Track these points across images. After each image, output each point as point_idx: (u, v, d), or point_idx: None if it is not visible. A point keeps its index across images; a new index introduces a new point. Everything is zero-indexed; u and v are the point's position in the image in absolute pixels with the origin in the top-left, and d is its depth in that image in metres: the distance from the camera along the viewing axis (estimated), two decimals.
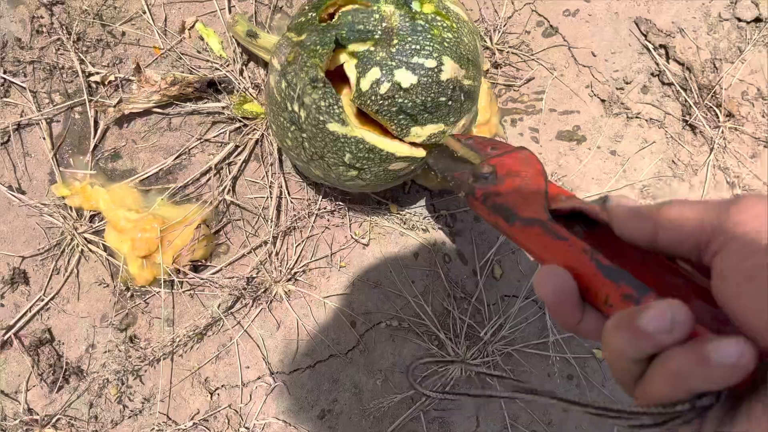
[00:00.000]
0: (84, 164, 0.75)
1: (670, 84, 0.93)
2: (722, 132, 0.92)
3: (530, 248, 0.43)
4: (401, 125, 0.58)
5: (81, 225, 0.74)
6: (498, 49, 0.87)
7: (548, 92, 0.89)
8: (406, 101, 0.57)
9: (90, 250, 0.74)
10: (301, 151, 0.62)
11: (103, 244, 0.75)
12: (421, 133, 0.60)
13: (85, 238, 0.74)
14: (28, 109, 0.75)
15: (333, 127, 0.57)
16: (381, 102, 0.57)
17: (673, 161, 0.91)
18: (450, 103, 0.60)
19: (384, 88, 0.56)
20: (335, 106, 0.56)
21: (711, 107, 0.92)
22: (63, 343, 0.75)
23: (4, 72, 0.75)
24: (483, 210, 0.50)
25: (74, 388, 0.74)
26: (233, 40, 0.79)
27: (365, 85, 0.56)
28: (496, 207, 0.48)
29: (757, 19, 0.95)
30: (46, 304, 0.74)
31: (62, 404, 0.74)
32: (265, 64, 0.79)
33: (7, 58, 0.75)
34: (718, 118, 0.92)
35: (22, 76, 0.75)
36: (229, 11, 0.80)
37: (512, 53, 0.88)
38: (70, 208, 0.74)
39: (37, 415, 0.72)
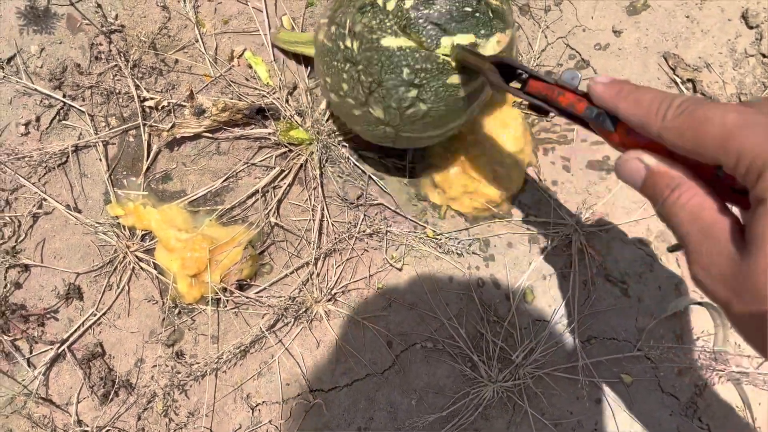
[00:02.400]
0: (137, 185, 0.80)
1: None
2: None
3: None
4: (431, 36, 0.62)
5: (133, 244, 0.78)
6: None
7: None
8: (431, 11, 0.60)
9: (141, 268, 0.78)
10: (358, 89, 0.65)
11: (153, 263, 0.79)
12: (452, 43, 0.63)
13: (137, 257, 0.78)
14: (86, 131, 0.79)
15: (387, 41, 0.61)
16: (408, 16, 0.60)
17: None
18: (477, 14, 0.63)
19: (408, 2, 0.60)
20: (386, 20, 0.60)
21: None
22: (113, 357, 0.79)
23: (64, 96, 0.79)
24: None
25: (123, 401, 0.78)
26: (281, 68, 0.84)
27: (391, 4, 0.60)
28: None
29: None
30: (98, 319, 0.79)
31: (111, 416, 0.78)
32: (307, 64, 0.84)
33: (67, 83, 0.80)
34: None
35: (80, 100, 0.80)
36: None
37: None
38: (124, 227, 0.78)
39: (87, 426, 0.76)
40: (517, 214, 0.92)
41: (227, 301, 0.80)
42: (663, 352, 0.91)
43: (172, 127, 0.80)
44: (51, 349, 0.78)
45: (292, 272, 0.83)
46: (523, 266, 0.90)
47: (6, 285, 0.78)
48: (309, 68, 0.87)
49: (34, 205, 0.80)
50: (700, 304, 0.92)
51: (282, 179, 0.84)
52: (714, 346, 0.92)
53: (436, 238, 0.87)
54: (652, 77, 0.97)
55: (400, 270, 0.87)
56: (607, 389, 0.89)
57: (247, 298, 0.80)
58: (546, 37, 0.95)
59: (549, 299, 0.90)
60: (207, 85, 0.85)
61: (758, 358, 0.90)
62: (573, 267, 0.90)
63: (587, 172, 0.94)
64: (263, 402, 0.82)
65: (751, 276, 0.31)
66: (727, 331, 0.92)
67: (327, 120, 0.86)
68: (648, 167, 0.37)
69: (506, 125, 0.90)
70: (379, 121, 0.67)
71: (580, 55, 0.96)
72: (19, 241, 0.79)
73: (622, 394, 0.90)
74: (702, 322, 0.93)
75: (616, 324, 0.92)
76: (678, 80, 0.97)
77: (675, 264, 0.94)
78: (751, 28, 1.00)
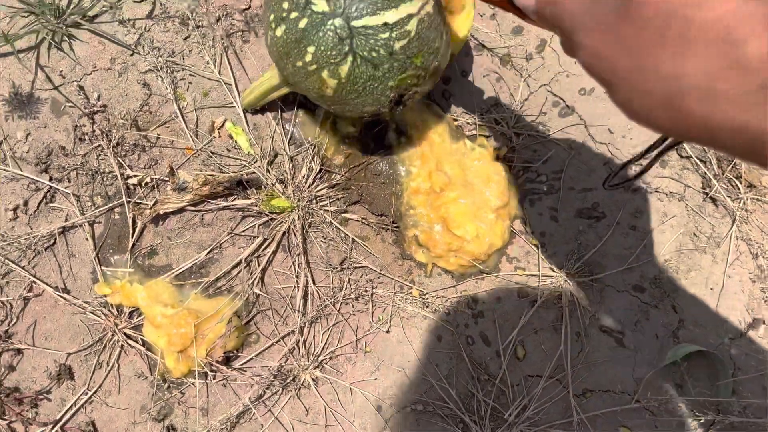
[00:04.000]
0: (123, 262, 0.82)
1: (688, 157, 0.94)
2: (744, 203, 0.93)
3: None
4: None
5: (121, 321, 0.80)
6: (515, 133, 0.91)
7: (566, 171, 0.92)
8: None
9: (129, 345, 0.80)
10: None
11: (141, 339, 0.80)
12: None
13: (125, 334, 0.80)
14: (72, 212, 0.82)
15: None
16: None
17: (694, 234, 0.93)
18: None
19: None
20: None
21: (731, 178, 0.94)
22: None
23: (51, 179, 0.82)
24: None
25: None
26: (262, 136, 0.85)
27: None
28: None
29: None
30: (90, 397, 0.81)
31: None
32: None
33: (53, 166, 0.82)
34: (739, 189, 0.93)
35: (66, 181, 0.82)
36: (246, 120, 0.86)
37: (529, 135, 0.91)
38: (111, 305, 0.80)
39: None
40: (505, 268, 0.91)
41: (215, 373, 0.81)
42: (662, 403, 0.90)
43: (154, 204, 0.82)
44: (46, 429, 0.79)
45: (278, 341, 0.84)
46: (513, 321, 0.90)
47: (0, 369, 0.80)
48: (289, 136, 0.88)
49: (25, 288, 0.82)
50: (701, 351, 0.90)
51: (265, 248, 0.85)
52: (718, 397, 0.90)
53: (423, 298, 0.87)
54: None
55: (387, 332, 0.87)
56: None
57: (233, 370, 0.81)
58: (528, 85, 0.95)
59: (541, 354, 0.89)
60: (189, 158, 0.86)
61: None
62: (564, 319, 0.89)
63: (576, 220, 0.93)
64: None
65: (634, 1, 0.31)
66: (730, 380, 0.90)
67: (309, 186, 0.86)
68: None
69: (489, 180, 0.90)
70: (324, 15, 0.65)
71: (564, 101, 0.95)
72: (11, 324, 0.82)
73: None
74: (704, 370, 0.91)
75: (612, 375, 0.90)
76: None
77: (672, 311, 0.92)
78: None
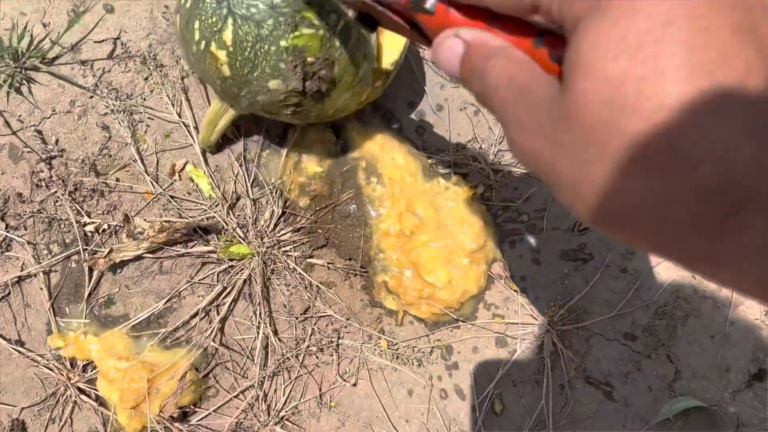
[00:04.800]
0: (79, 312, 0.80)
1: None
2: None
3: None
4: None
5: (74, 375, 0.78)
6: (494, 170, 0.85)
7: (550, 209, 0.86)
8: None
9: (83, 400, 0.77)
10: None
11: (95, 393, 0.78)
12: None
13: (78, 388, 0.78)
14: (28, 261, 0.80)
15: None
16: None
17: (693, 276, 0.86)
18: None
19: None
20: None
21: None
22: None
23: (7, 227, 0.80)
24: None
25: None
26: (224, 179, 0.82)
27: None
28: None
29: None
30: None
31: None
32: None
33: (9, 213, 0.80)
34: None
35: (22, 229, 0.80)
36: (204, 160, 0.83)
37: (509, 171, 0.85)
38: (65, 358, 0.78)
39: None
40: (482, 315, 0.86)
41: (170, 430, 0.77)
42: None
43: (109, 252, 0.79)
44: None
45: (237, 395, 0.81)
46: (490, 373, 0.84)
47: None
48: (252, 177, 0.84)
49: None
50: (700, 406, 0.83)
51: (225, 296, 0.81)
52: None
53: (393, 348, 0.82)
54: None
55: (354, 385, 0.83)
56: None
57: (188, 425, 0.78)
58: None
59: (521, 408, 0.83)
60: (149, 203, 0.84)
61: None
62: (546, 371, 0.83)
63: (561, 263, 0.87)
64: None
65: (570, 106, 0.26)
66: None
67: (272, 230, 0.82)
68: (466, 42, 0.34)
69: (464, 221, 0.85)
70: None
71: None
72: None
73: None
74: (702, 428, 0.83)
75: (600, 431, 0.83)
76: None
77: (668, 361, 0.85)
78: None
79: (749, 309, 0.87)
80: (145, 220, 0.82)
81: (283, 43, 0.63)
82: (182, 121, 0.86)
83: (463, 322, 0.85)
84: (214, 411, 0.81)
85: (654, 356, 0.86)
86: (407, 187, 0.86)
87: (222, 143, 0.85)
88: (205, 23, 0.64)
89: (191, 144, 0.86)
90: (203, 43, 0.65)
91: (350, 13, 0.45)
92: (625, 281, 0.88)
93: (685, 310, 0.87)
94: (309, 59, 0.63)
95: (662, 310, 0.87)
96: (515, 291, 0.87)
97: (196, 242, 0.84)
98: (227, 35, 0.63)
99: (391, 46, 0.73)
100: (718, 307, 0.87)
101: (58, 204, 0.84)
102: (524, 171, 0.89)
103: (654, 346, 0.86)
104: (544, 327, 0.85)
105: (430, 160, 0.88)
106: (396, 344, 0.84)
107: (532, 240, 0.88)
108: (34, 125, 0.85)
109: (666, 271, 0.87)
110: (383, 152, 0.87)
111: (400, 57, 0.74)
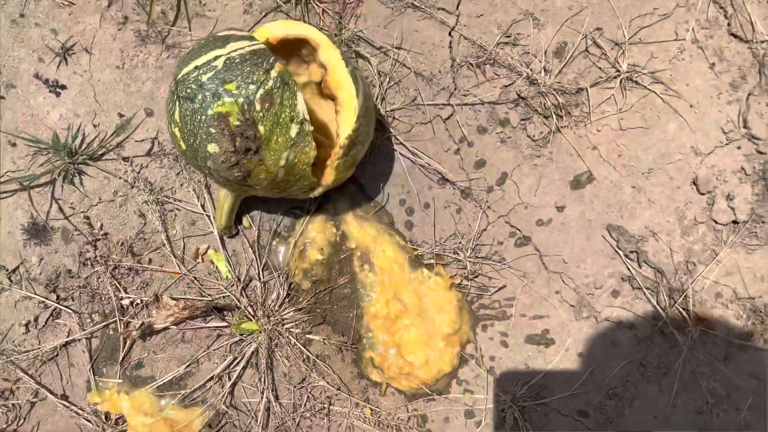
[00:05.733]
0: (114, 373, 0.96)
1: (639, 288, 1.00)
2: (693, 336, 0.98)
3: None
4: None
5: (108, 427, 0.94)
6: (471, 262, 0.99)
7: (519, 299, 1.00)
8: None
9: None
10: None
11: None
12: None
13: None
14: (74, 328, 0.96)
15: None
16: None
17: (642, 363, 0.99)
18: None
19: None
20: None
21: (681, 310, 0.98)
22: None
23: (58, 298, 0.96)
24: None
25: None
26: (240, 262, 0.98)
27: None
28: None
29: (734, 221, 1.00)
30: None
31: None
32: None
33: (60, 287, 0.97)
34: (687, 321, 0.98)
35: (70, 300, 0.97)
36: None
37: (485, 264, 0.99)
38: (101, 412, 0.94)
39: None
40: (455, 389, 1.00)
41: None
42: None
43: (141, 325, 0.95)
44: None
45: None
46: None
47: None
48: (263, 262, 1.00)
49: (31, 394, 0.97)
50: None
51: (236, 365, 0.97)
52: None
53: (375, 416, 0.97)
54: (596, 249, 1.02)
55: None
56: None
57: None
58: (487, 216, 1.03)
59: None
60: (175, 281, 0.99)
61: None
62: None
63: (525, 346, 1.00)
64: None
65: None
66: None
67: (277, 309, 0.98)
68: None
69: (442, 309, 0.99)
70: None
71: (521, 232, 1.03)
72: (19, 425, 0.97)
73: None
74: None
75: None
76: (621, 253, 1.02)
77: None
78: (702, 194, 1.02)
79: (691, 394, 0.99)
80: (171, 297, 0.98)
81: (210, 112, 0.78)
82: (205, 213, 1.02)
83: (437, 395, 1.00)
84: None
85: None
86: (395, 275, 1.01)
87: (239, 231, 1.01)
88: (168, 111, 0.83)
89: (212, 231, 1.01)
90: (169, 126, 0.84)
91: None
92: (582, 365, 1.01)
93: (633, 393, 1.00)
94: (234, 122, 0.78)
95: (612, 392, 1.00)
96: (484, 370, 1.01)
97: (213, 317, 0.99)
98: (177, 114, 0.81)
99: (345, 123, 0.87)
100: (662, 392, 1.00)
101: (100, 280, 1.00)
102: (498, 263, 1.03)
103: (603, 423, 1.00)
104: (507, 403, 0.99)
105: (416, 252, 1.03)
106: (379, 412, 0.99)
107: (500, 324, 1.02)
108: (83, 212, 1.02)
109: (618, 357, 1.01)
110: (376, 244, 1.02)
111: (355, 132, 0.86)
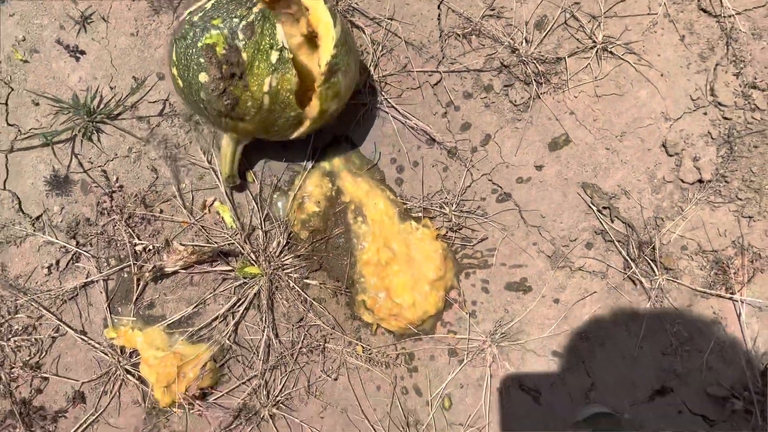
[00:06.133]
0: (128, 312, 1.05)
1: (611, 241, 1.09)
2: (659, 283, 1.07)
3: None
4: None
5: (123, 359, 1.04)
6: (456, 216, 1.08)
7: (499, 249, 1.09)
8: None
9: (128, 379, 1.03)
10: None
11: (138, 374, 1.03)
12: None
13: (126, 369, 1.04)
14: (92, 271, 1.05)
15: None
16: None
17: (613, 309, 1.08)
18: None
19: None
20: None
21: (650, 261, 1.07)
22: None
23: (77, 244, 1.06)
24: None
25: None
26: (243, 214, 1.08)
27: None
28: None
29: (699, 180, 1.09)
30: (96, 418, 1.04)
31: None
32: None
33: (80, 233, 1.06)
34: (655, 272, 1.07)
35: (89, 246, 1.06)
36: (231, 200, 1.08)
37: (468, 217, 1.09)
38: (117, 346, 1.03)
39: None
40: (439, 330, 1.09)
41: (192, 406, 1.03)
42: None
43: (153, 267, 1.05)
44: None
45: (244, 382, 1.06)
46: (443, 376, 1.08)
47: (30, 391, 1.05)
48: (265, 214, 1.09)
49: (53, 330, 1.07)
50: (607, 413, 1.05)
51: (239, 306, 1.06)
52: None
53: (366, 353, 1.06)
54: (572, 205, 1.11)
55: (335, 380, 1.07)
56: None
57: (206, 404, 1.03)
58: (471, 174, 1.12)
59: (466, 406, 1.07)
60: (184, 230, 1.09)
61: None
62: (487, 378, 1.06)
63: (505, 293, 1.10)
64: None
65: None
66: None
67: (278, 256, 1.07)
68: None
69: (429, 257, 1.08)
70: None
71: (502, 189, 1.12)
72: (41, 357, 1.07)
73: None
74: (608, 429, 1.05)
75: (528, 428, 1.06)
76: (595, 208, 1.11)
77: (586, 375, 1.07)
78: (671, 156, 1.11)
79: (657, 338, 1.08)
80: (180, 243, 1.07)
81: (199, 44, 0.89)
82: (212, 167, 1.11)
83: (423, 335, 1.09)
84: (226, 393, 1.07)
85: (575, 371, 1.09)
86: (386, 227, 1.10)
87: (243, 185, 1.10)
88: (168, 56, 0.96)
89: (218, 186, 1.11)
90: (170, 69, 0.96)
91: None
92: (556, 310, 1.10)
93: (603, 336, 1.09)
94: (220, 51, 0.88)
95: (584, 335, 1.10)
96: (466, 313, 1.10)
97: (219, 263, 1.09)
98: (174, 55, 0.93)
99: (325, 51, 0.94)
100: (630, 336, 1.09)
101: (116, 228, 1.10)
102: (481, 217, 1.12)
103: (575, 363, 1.09)
104: (488, 343, 1.09)
105: (405, 206, 1.12)
106: (369, 350, 1.09)
107: (482, 273, 1.12)
108: (100, 166, 1.11)
109: (590, 303, 1.10)
110: (368, 198, 1.11)
111: (334, 58, 0.93)
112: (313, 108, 0.97)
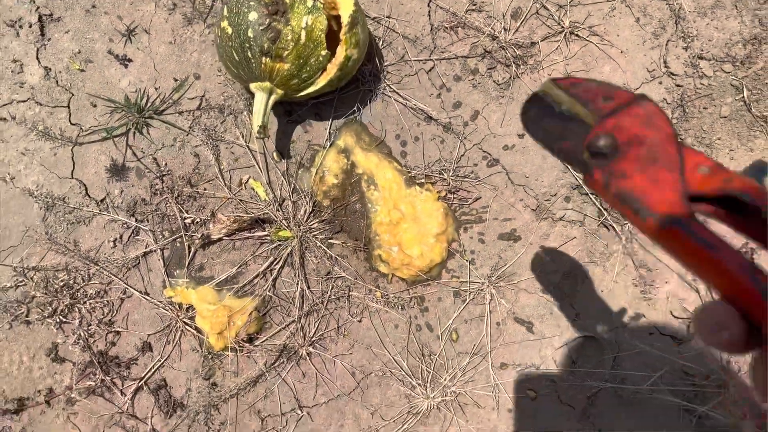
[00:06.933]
0: (182, 275, 1.26)
1: (586, 194, 1.30)
2: (629, 228, 1.28)
3: (671, 252, 0.37)
4: None
5: (181, 314, 1.24)
6: (453, 180, 1.29)
7: (491, 206, 1.30)
8: None
9: (187, 329, 1.24)
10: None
11: (194, 326, 1.24)
12: None
13: (184, 322, 1.24)
14: (150, 243, 1.26)
15: None
16: None
17: (590, 251, 1.29)
18: None
19: None
20: None
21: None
22: (172, 388, 1.25)
23: (136, 221, 1.27)
24: (606, 195, 0.42)
25: (179, 415, 1.23)
26: (273, 188, 1.27)
27: None
28: (622, 195, 0.39)
29: None
30: (162, 363, 1.25)
31: (173, 426, 1.23)
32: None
33: (138, 212, 1.27)
34: (624, 217, 1.28)
35: (146, 222, 1.27)
36: (268, 175, 1.28)
37: (464, 181, 1.30)
38: (175, 303, 1.24)
39: None
40: (445, 276, 1.30)
41: (241, 348, 1.24)
42: (562, 373, 1.26)
43: (201, 236, 1.26)
44: (134, 383, 1.25)
45: (284, 327, 1.26)
46: (449, 314, 1.28)
47: (106, 344, 1.26)
48: (292, 188, 1.30)
49: (121, 292, 1.28)
50: (591, 336, 1.26)
51: (275, 264, 1.27)
52: (601, 369, 1.26)
53: (385, 298, 1.27)
54: (551, 166, 1.32)
55: (360, 322, 1.28)
56: (516, 402, 1.25)
57: (253, 346, 1.24)
58: (464, 145, 1.33)
59: (470, 337, 1.28)
60: (224, 203, 1.30)
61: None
62: (487, 313, 1.27)
63: (498, 242, 1.31)
64: (269, 415, 1.25)
65: None
66: (610, 356, 1.25)
67: (305, 221, 1.28)
68: None
69: (431, 215, 1.29)
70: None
71: (491, 155, 1.33)
72: (113, 316, 1.28)
73: (529, 405, 1.26)
74: (592, 350, 1.26)
75: (523, 353, 1.27)
76: (570, 167, 1.32)
77: (571, 307, 1.28)
78: None
79: (628, 273, 1.29)
80: (223, 214, 1.29)
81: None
82: (248, 145, 1.32)
83: (431, 280, 1.30)
84: (269, 337, 1.28)
85: (562, 304, 1.29)
86: (394, 192, 1.31)
87: (272, 165, 1.32)
88: (217, 22, 1.16)
89: (253, 165, 1.32)
90: (218, 29, 1.16)
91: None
92: (543, 253, 1.31)
93: (583, 274, 1.30)
94: (276, 7, 1.11)
95: (567, 273, 1.30)
96: (467, 260, 1.31)
97: (256, 229, 1.30)
98: (225, 11, 1.14)
99: (345, 8, 1.16)
100: (606, 272, 1.30)
101: (167, 205, 1.31)
102: (475, 180, 1.33)
103: (561, 297, 1.30)
104: (486, 284, 1.30)
105: (410, 174, 1.33)
106: (387, 295, 1.30)
107: (478, 227, 1.33)
108: (151, 154, 1.33)
109: (572, 247, 1.31)
110: (378, 169, 1.33)
111: (354, 13, 1.16)
112: (339, 55, 1.18)
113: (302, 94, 1.22)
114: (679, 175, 0.38)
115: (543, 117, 0.51)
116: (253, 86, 1.19)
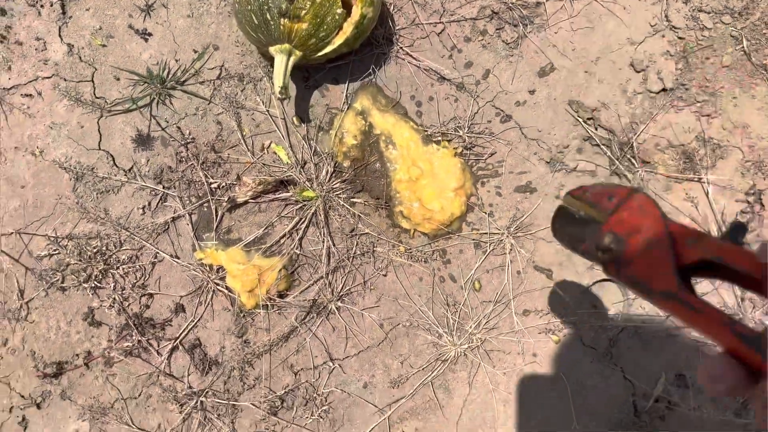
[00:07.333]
0: (211, 238, 1.30)
1: (597, 144, 1.35)
2: (640, 175, 1.32)
3: (676, 317, 0.46)
4: None
5: (212, 275, 1.28)
6: (468, 136, 1.34)
7: (507, 160, 1.34)
8: None
9: (218, 290, 1.28)
10: None
11: (225, 286, 1.28)
12: None
13: (215, 283, 1.28)
14: (178, 208, 1.30)
15: None
16: None
17: None
18: None
19: None
20: None
21: (630, 158, 1.33)
22: (206, 346, 1.29)
23: (164, 187, 1.31)
24: (620, 280, 0.52)
25: (215, 372, 1.28)
26: (295, 152, 1.32)
27: None
28: (630, 279, 0.49)
29: (663, 89, 1.35)
30: (195, 323, 1.29)
31: (209, 383, 1.27)
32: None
33: (165, 179, 1.31)
34: (635, 165, 1.32)
35: (173, 188, 1.31)
36: (288, 137, 1.33)
37: (479, 137, 1.34)
38: (205, 265, 1.28)
39: (194, 389, 1.26)
40: (465, 229, 1.34)
41: (272, 305, 1.28)
42: (583, 317, 1.30)
43: (228, 199, 1.30)
44: (170, 343, 1.29)
45: (312, 284, 1.31)
46: (471, 265, 1.33)
47: (140, 307, 1.30)
48: (313, 150, 1.34)
49: (152, 257, 1.32)
50: (608, 280, 1.31)
51: (301, 224, 1.32)
52: (621, 312, 1.30)
53: (408, 252, 1.32)
54: (562, 120, 1.36)
55: (385, 276, 1.32)
56: (540, 346, 1.30)
57: (284, 302, 1.28)
58: (477, 103, 1.38)
59: (493, 286, 1.32)
60: (248, 168, 1.34)
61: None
62: (507, 263, 1.32)
63: (514, 195, 1.35)
64: (301, 369, 1.29)
65: None
66: (628, 300, 1.30)
67: (327, 181, 1.33)
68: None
69: (449, 171, 1.34)
70: None
71: (504, 112, 1.38)
72: (145, 280, 1.32)
73: (552, 349, 1.30)
74: (611, 294, 1.31)
75: (544, 300, 1.32)
76: (581, 120, 1.36)
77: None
78: (638, 72, 1.37)
79: None
80: (248, 177, 1.33)
81: None
82: (268, 110, 1.37)
83: (452, 233, 1.35)
84: (299, 293, 1.32)
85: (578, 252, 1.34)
86: (412, 150, 1.36)
87: (292, 129, 1.36)
88: None
89: (274, 130, 1.36)
90: None
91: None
92: (558, 203, 1.35)
93: None
94: None
95: None
96: (485, 213, 1.36)
97: (280, 191, 1.34)
98: None
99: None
100: None
101: (193, 172, 1.35)
102: (489, 136, 1.38)
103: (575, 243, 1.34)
104: (505, 235, 1.34)
105: (426, 132, 1.38)
106: (410, 249, 1.34)
107: (495, 180, 1.37)
108: (174, 124, 1.37)
109: None
110: (395, 129, 1.37)
111: None
112: (354, 14, 1.22)
113: (320, 54, 1.26)
114: (668, 251, 0.47)
115: (566, 225, 0.64)
116: (272, 49, 1.23)
